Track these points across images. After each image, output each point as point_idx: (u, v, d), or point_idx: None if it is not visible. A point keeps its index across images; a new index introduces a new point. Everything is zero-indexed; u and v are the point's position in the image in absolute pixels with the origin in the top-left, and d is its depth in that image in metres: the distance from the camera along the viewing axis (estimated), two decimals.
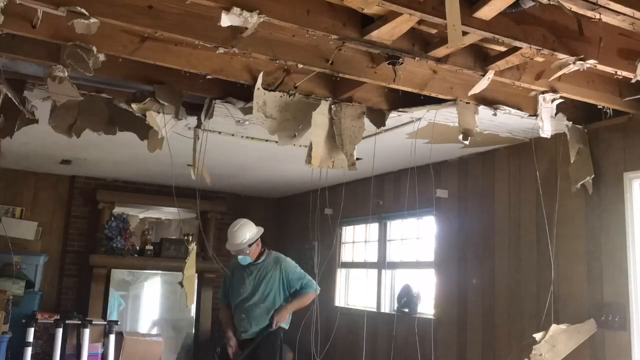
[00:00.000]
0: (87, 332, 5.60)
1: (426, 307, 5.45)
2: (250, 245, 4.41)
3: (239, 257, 4.45)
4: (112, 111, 3.47)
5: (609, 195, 3.80)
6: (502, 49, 2.86)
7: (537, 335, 3.79)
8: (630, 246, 3.64)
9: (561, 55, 2.77)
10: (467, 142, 3.53)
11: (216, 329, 7.73)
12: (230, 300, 4.60)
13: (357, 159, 5.38)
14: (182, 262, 7.35)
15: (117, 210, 7.28)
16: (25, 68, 3.32)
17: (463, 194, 5.07)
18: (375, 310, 6.09)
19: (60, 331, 5.54)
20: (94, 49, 2.79)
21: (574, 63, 2.81)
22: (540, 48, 2.68)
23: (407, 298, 5.55)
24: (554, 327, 3.79)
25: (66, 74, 3.01)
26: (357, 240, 6.80)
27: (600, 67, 2.85)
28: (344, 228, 6.99)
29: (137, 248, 7.27)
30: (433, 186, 5.31)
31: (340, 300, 6.84)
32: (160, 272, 7.61)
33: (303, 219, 7.63)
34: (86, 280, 6.96)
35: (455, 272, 5.06)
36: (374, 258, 6.29)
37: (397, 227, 6.11)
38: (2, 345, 5.29)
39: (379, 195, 6.20)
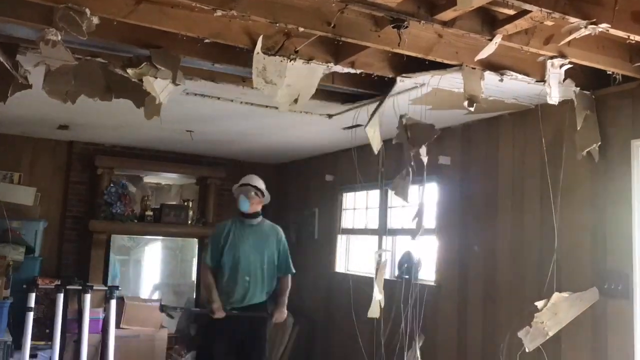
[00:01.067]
0: (88, 298, 5.60)
1: (427, 274, 5.44)
2: (257, 193, 4.37)
3: (240, 199, 4.42)
4: (108, 77, 3.37)
5: (616, 162, 3.74)
6: (511, 12, 2.76)
7: (539, 304, 3.78)
8: (636, 214, 3.59)
9: (572, 19, 2.66)
10: (472, 109, 3.46)
11: None
12: (219, 264, 4.43)
13: (357, 125, 5.34)
14: (182, 228, 7.40)
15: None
16: (17, 31, 3.22)
17: (466, 161, 5.01)
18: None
19: (61, 296, 5.54)
20: (87, 11, 2.69)
21: (585, 27, 2.70)
22: (551, 11, 2.57)
23: (408, 264, 5.53)
24: (556, 295, 3.78)
25: (59, 37, 2.91)
26: (358, 207, 6.76)
27: (613, 31, 2.75)
28: (344, 194, 6.95)
29: (137, 214, 7.24)
30: (435, 153, 5.24)
31: (340, 267, 6.84)
32: (160, 237, 7.61)
33: (304, 186, 7.61)
34: (86, 245, 6.96)
35: (456, 239, 5.03)
36: (375, 225, 6.27)
37: None
38: (3, 310, 5.30)
39: (380, 161, 6.13)
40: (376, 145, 4.05)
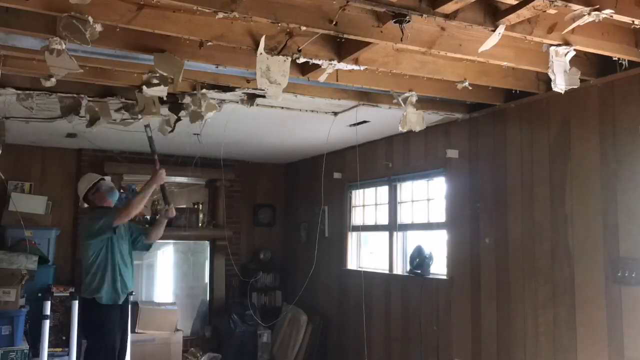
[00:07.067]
0: None
1: (439, 268, 5.43)
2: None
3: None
4: None
5: (625, 149, 3.71)
6: (513, 1, 2.74)
7: None
8: None
9: (575, 6, 2.65)
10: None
11: (230, 294, 7.81)
12: None
13: (365, 122, 5.33)
14: (193, 231, 7.44)
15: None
16: (22, 42, 3.25)
17: (474, 153, 4.99)
18: (387, 272, 6.09)
19: (76, 303, 5.58)
20: (90, 19, 2.70)
21: (589, 14, 2.69)
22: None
23: (419, 259, 5.53)
24: None
25: (64, 46, 2.93)
26: (367, 203, 6.76)
27: (617, 17, 2.73)
28: (353, 191, 6.95)
29: (148, 218, 7.27)
30: (443, 147, 5.24)
31: (352, 264, 6.85)
32: (172, 241, 7.64)
33: (312, 184, 7.61)
34: None
35: (467, 232, 5.01)
36: (384, 221, 6.26)
37: (407, 189, 6.06)
38: (20, 319, 5.35)
39: (388, 157, 6.13)
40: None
